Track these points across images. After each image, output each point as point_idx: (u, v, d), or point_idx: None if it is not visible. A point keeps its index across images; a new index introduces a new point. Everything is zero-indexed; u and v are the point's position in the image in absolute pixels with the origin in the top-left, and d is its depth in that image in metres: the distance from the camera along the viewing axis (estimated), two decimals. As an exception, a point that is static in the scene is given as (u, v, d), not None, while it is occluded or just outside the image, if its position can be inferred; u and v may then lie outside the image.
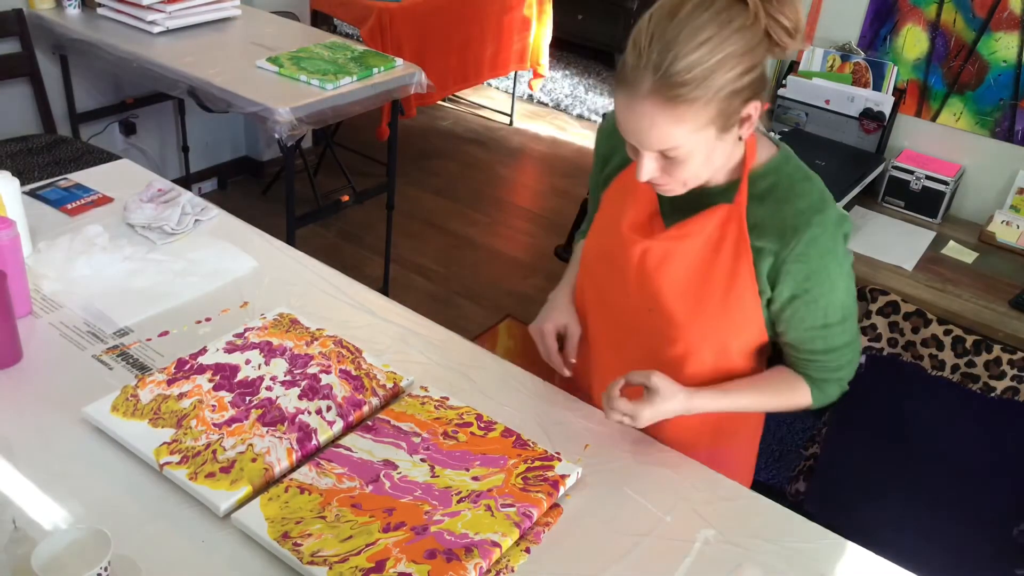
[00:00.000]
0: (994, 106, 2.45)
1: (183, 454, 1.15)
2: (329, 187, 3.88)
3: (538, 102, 5.19)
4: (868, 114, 2.59)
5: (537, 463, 1.20)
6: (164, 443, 1.16)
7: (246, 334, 1.40)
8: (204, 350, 1.35)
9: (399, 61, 2.67)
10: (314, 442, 1.20)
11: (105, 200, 1.79)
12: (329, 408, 1.25)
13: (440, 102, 4.87)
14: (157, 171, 2.22)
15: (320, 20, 3.94)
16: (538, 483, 1.16)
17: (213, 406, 1.24)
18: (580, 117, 5.06)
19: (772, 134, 1.21)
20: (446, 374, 1.40)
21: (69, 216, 1.73)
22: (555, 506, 1.16)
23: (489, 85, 5.30)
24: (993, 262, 2.31)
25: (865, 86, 2.61)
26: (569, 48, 5.88)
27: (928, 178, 2.47)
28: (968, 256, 2.33)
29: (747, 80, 1.03)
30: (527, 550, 1.09)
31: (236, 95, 2.38)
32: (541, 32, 4.49)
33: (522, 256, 3.64)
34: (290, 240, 2.50)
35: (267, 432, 1.20)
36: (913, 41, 2.52)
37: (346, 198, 3.01)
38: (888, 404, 1.82)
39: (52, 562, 0.95)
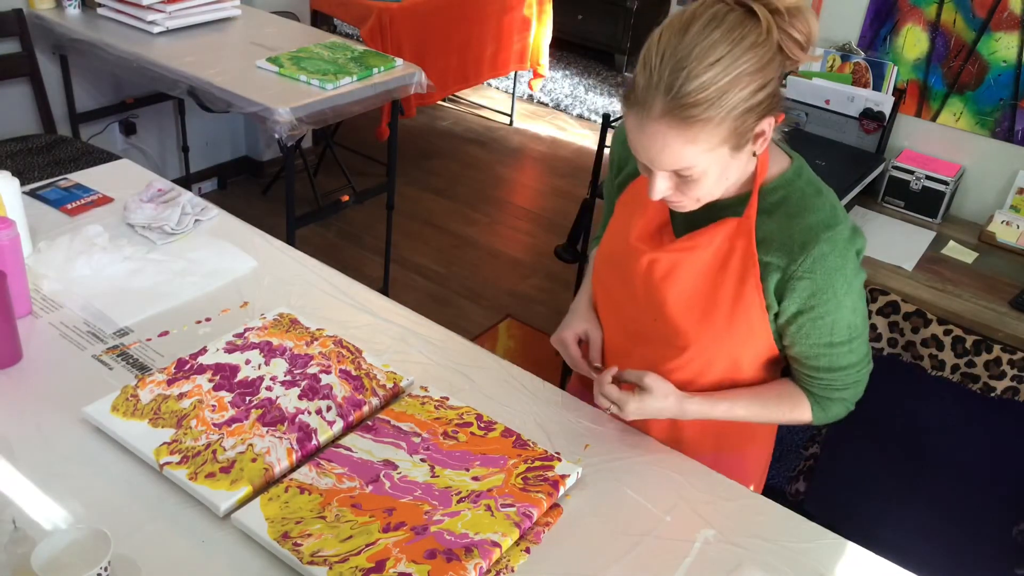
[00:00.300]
0: (994, 106, 2.45)
1: (183, 454, 1.15)
2: (329, 187, 3.88)
3: (538, 102, 5.19)
4: (868, 114, 2.59)
5: (537, 463, 1.20)
6: (164, 443, 1.16)
7: (246, 334, 1.40)
8: (204, 350, 1.35)
9: (399, 61, 2.67)
10: (314, 442, 1.20)
11: (105, 200, 1.79)
12: (329, 408, 1.25)
13: (440, 102, 4.87)
14: (157, 171, 2.22)
15: (320, 20, 3.94)
16: (538, 483, 1.16)
17: (213, 406, 1.24)
18: (580, 117, 5.06)
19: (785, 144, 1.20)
20: (446, 374, 1.40)
21: (69, 216, 1.73)
22: (555, 506, 1.16)
23: (489, 85, 5.31)
24: (993, 262, 2.31)
25: (865, 86, 2.61)
26: (569, 48, 5.89)
27: (928, 178, 2.47)
28: (968, 256, 2.33)
29: (761, 96, 1.02)
30: (527, 550, 1.09)
31: (236, 95, 2.38)
32: (541, 32, 4.49)
33: (522, 256, 3.64)
34: (290, 240, 2.50)
35: (267, 432, 1.20)
36: (913, 41, 2.52)
37: (346, 198, 3.01)
38: (888, 404, 1.82)
39: (52, 562, 0.95)
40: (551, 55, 4.82)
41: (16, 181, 1.52)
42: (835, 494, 1.92)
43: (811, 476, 1.98)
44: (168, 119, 3.49)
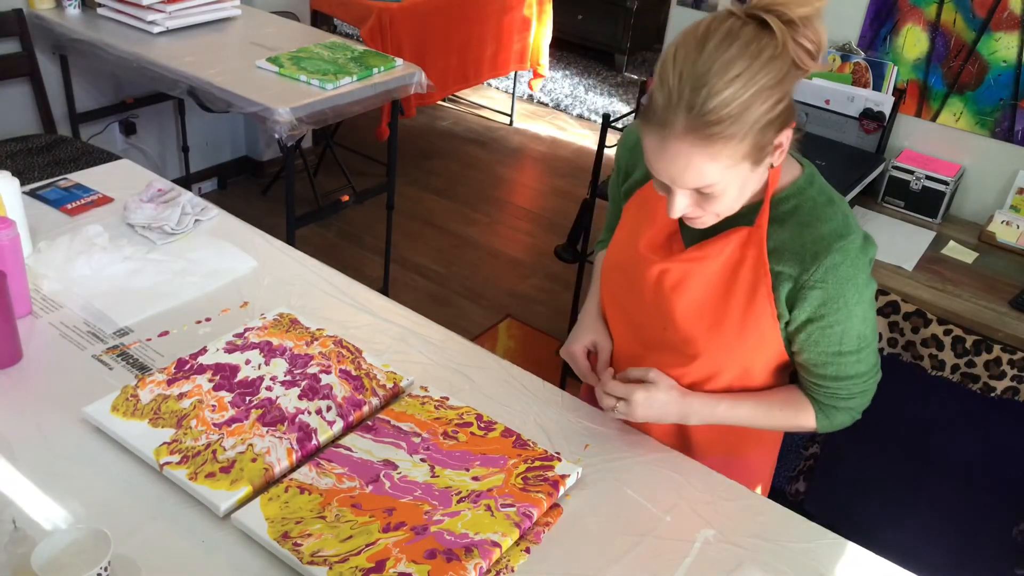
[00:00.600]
0: (994, 106, 2.45)
1: (183, 454, 1.15)
2: (329, 187, 3.89)
3: (538, 102, 5.19)
4: (868, 114, 2.59)
5: (537, 463, 1.20)
6: (164, 443, 1.16)
7: (246, 334, 1.40)
8: (204, 350, 1.35)
9: (399, 61, 2.67)
10: (314, 442, 1.20)
11: (105, 200, 1.79)
12: (329, 408, 1.25)
13: (440, 102, 4.87)
14: (157, 171, 2.22)
15: (320, 20, 3.94)
16: (538, 483, 1.16)
17: (213, 406, 1.24)
18: (580, 117, 5.06)
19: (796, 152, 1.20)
20: (446, 374, 1.40)
21: (69, 216, 1.73)
22: (555, 506, 1.16)
23: (489, 85, 5.31)
24: (993, 262, 2.31)
25: (865, 86, 2.61)
26: (569, 48, 5.89)
27: (928, 178, 2.47)
28: (968, 256, 2.33)
29: (779, 109, 1.02)
30: (527, 550, 1.09)
31: (236, 95, 2.38)
32: (541, 32, 4.49)
33: (522, 256, 3.64)
34: (290, 240, 2.50)
35: (267, 432, 1.20)
36: (913, 41, 2.52)
37: (346, 198, 3.01)
38: (888, 404, 1.82)
39: (52, 562, 0.95)
40: (551, 55, 4.82)
41: (16, 181, 1.52)
42: (835, 494, 1.92)
43: (811, 476, 1.98)
44: (168, 119, 3.49)
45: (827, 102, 2.64)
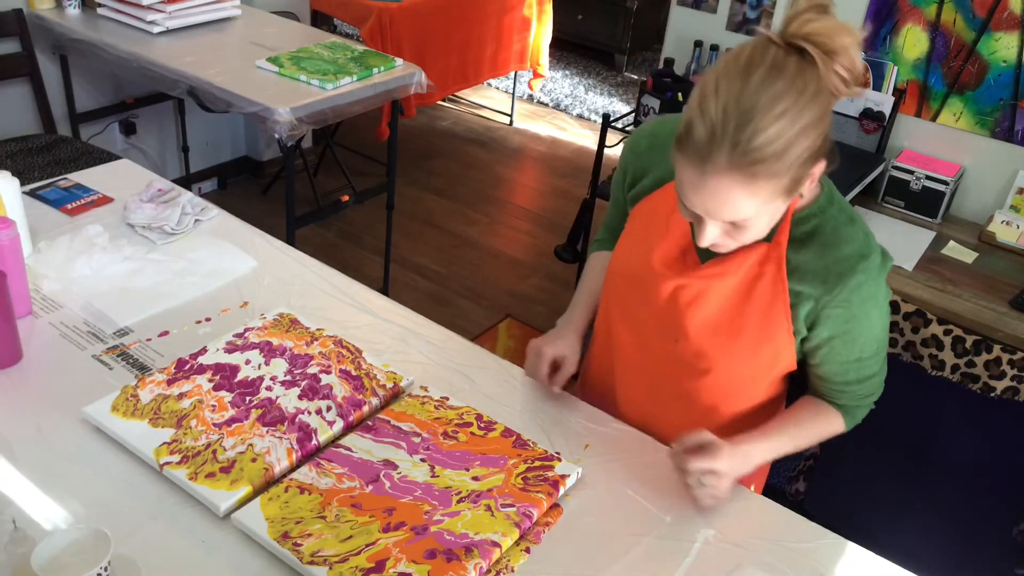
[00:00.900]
0: (994, 106, 2.45)
1: (183, 454, 1.15)
2: (329, 187, 3.88)
3: (538, 102, 5.19)
4: (868, 114, 2.59)
5: (537, 463, 1.20)
6: (164, 443, 1.16)
7: (246, 334, 1.40)
8: (204, 350, 1.35)
9: (399, 61, 2.67)
10: (314, 442, 1.20)
11: (105, 200, 1.79)
12: (329, 408, 1.25)
13: (440, 102, 4.87)
14: (157, 171, 2.22)
15: (320, 20, 3.94)
16: (538, 483, 1.16)
17: (213, 406, 1.24)
18: (580, 117, 5.06)
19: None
20: (446, 374, 1.40)
21: (69, 216, 1.73)
22: (555, 506, 1.16)
23: (489, 85, 5.31)
24: (993, 262, 2.31)
25: (865, 86, 2.61)
26: (569, 48, 5.89)
27: (928, 178, 2.47)
28: (968, 256, 2.33)
29: (819, 143, 1.01)
30: (527, 550, 1.09)
31: (236, 95, 2.38)
32: (541, 32, 4.49)
33: (522, 256, 3.64)
34: (290, 240, 2.50)
35: (267, 432, 1.20)
36: (913, 41, 2.52)
37: (346, 198, 3.01)
38: (888, 404, 1.82)
39: (52, 562, 0.95)
40: (551, 55, 4.82)
41: (16, 181, 1.52)
42: (835, 494, 1.92)
43: (811, 476, 1.98)
44: (168, 119, 3.49)
45: (827, 102, 2.63)
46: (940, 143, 2.57)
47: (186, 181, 3.58)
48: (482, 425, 1.27)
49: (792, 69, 0.97)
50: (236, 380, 1.29)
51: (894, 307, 1.83)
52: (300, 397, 1.27)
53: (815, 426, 1.27)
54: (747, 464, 1.18)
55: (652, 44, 5.82)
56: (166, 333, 1.43)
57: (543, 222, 3.93)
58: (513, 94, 4.87)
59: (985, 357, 1.70)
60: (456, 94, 5.00)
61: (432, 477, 1.16)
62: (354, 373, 1.33)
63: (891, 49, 2.57)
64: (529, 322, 3.21)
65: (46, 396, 1.27)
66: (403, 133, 4.38)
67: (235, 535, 1.07)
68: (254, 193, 3.82)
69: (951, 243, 2.38)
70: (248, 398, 1.26)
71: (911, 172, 2.49)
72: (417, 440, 1.22)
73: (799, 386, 1.32)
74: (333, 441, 1.22)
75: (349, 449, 1.20)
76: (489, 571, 1.05)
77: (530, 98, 5.19)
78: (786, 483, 2.03)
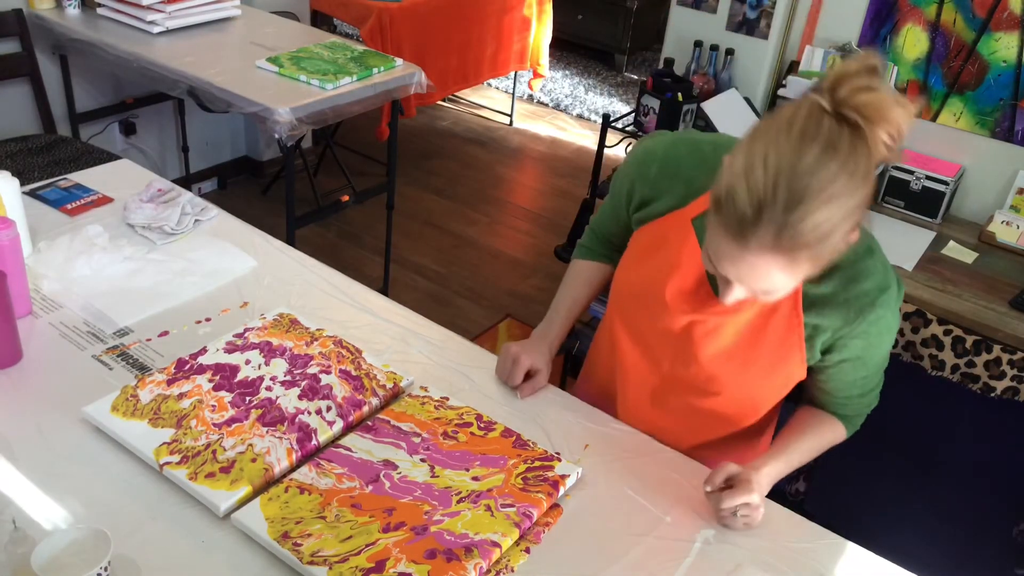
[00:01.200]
0: (994, 106, 2.45)
1: (183, 454, 1.15)
2: (329, 187, 3.88)
3: (538, 102, 5.19)
4: (868, 114, 2.58)
5: (537, 463, 1.20)
6: (164, 443, 1.16)
7: (246, 334, 1.40)
8: (204, 350, 1.35)
9: (399, 61, 2.67)
10: (314, 442, 1.20)
11: (105, 200, 1.79)
12: (329, 408, 1.25)
13: (440, 102, 4.87)
14: (157, 171, 2.22)
15: (320, 20, 3.94)
16: (538, 483, 1.16)
17: (213, 406, 1.24)
18: (580, 117, 5.06)
19: None
20: (446, 374, 1.40)
21: (69, 216, 1.73)
22: (555, 506, 1.16)
23: (489, 85, 5.31)
24: (993, 262, 2.31)
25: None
26: (569, 48, 5.89)
27: (928, 178, 2.47)
28: (968, 256, 2.33)
29: (859, 216, 0.97)
30: (527, 550, 1.09)
31: (236, 95, 2.38)
32: (541, 32, 4.49)
33: (522, 256, 3.64)
34: (290, 240, 2.50)
35: (267, 432, 1.20)
36: (913, 41, 2.52)
37: (346, 198, 3.01)
38: (888, 404, 1.82)
39: (52, 562, 0.95)
40: (551, 55, 4.82)
41: (16, 181, 1.52)
42: (835, 494, 1.92)
43: (811, 476, 1.98)
44: (168, 119, 3.49)
45: (827, 102, 2.63)
46: (940, 143, 2.57)
47: (186, 181, 3.58)
48: (482, 425, 1.27)
49: (845, 148, 0.92)
50: (236, 380, 1.29)
51: (894, 307, 1.83)
52: (300, 397, 1.27)
53: (822, 437, 1.28)
54: (770, 485, 1.20)
55: (652, 44, 5.82)
56: (166, 333, 1.43)
57: (543, 222, 3.93)
58: (513, 94, 4.87)
59: (985, 357, 1.70)
60: (456, 94, 5.00)
61: (432, 477, 1.16)
62: (354, 373, 1.33)
63: (891, 49, 2.57)
64: (529, 322, 3.21)
65: (46, 396, 1.27)
66: (403, 133, 4.38)
67: (235, 535, 1.07)
68: (254, 193, 3.82)
69: (951, 243, 2.38)
70: (248, 398, 1.26)
71: (911, 172, 2.49)
72: (417, 440, 1.22)
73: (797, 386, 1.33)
74: (333, 441, 1.22)
75: (349, 449, 1.20)
76: (489, 571, 1.05)
77: (530, 98, 5.19)
78: (786, 483, 2.03)
